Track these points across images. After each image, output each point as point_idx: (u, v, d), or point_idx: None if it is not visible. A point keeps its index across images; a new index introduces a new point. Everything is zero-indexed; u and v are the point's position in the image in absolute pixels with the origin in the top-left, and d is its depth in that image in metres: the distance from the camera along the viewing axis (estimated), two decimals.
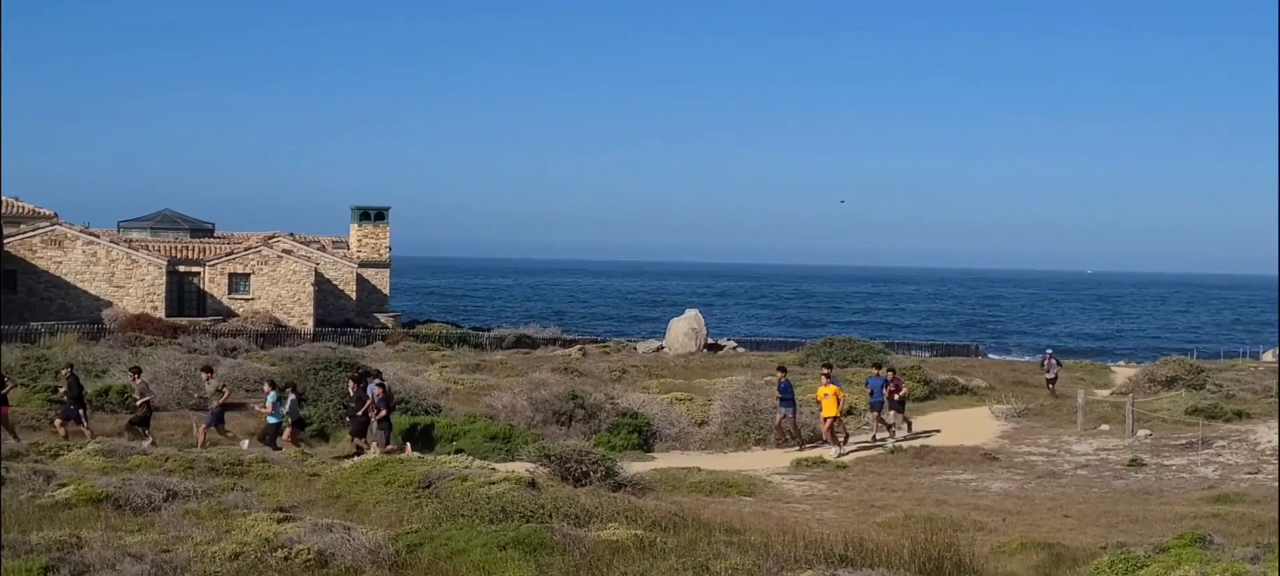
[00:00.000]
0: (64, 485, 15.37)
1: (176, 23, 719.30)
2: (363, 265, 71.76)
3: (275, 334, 54.84)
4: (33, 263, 59.18)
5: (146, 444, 23.64)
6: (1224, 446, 27.40)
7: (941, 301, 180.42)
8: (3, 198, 61.45)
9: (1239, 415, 31.36)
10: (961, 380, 38.69)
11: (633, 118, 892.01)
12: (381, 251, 73.71)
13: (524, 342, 57.95)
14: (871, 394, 29.74)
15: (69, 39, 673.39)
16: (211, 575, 11.23)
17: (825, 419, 27.74)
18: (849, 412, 30.10)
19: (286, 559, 11.56)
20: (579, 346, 54.49)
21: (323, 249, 70.77)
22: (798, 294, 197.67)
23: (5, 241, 58.37)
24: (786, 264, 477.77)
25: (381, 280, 73.12)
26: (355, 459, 21.54)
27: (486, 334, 62.39)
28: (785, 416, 28.33)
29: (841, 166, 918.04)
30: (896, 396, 29.76)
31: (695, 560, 10.96)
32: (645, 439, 29.08)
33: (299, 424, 26.30)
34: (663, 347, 53.50)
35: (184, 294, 62.51)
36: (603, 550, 11.57)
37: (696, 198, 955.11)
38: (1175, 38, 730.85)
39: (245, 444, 24.61)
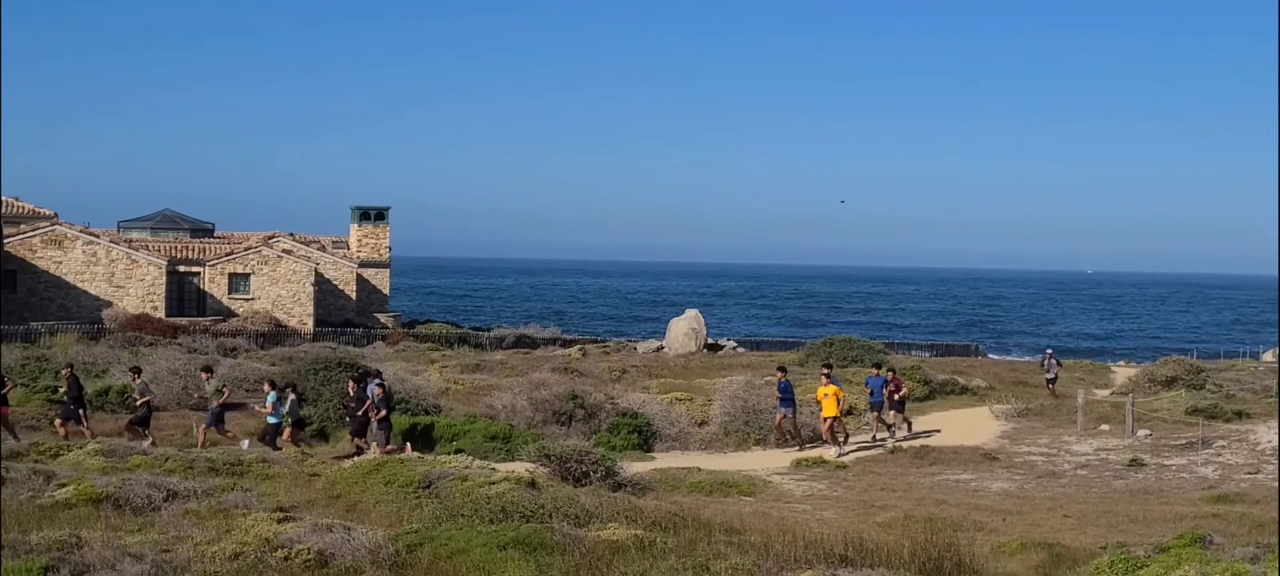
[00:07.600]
0: (64, 485, 15.35)
1: (176, 23, 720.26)
2: (363, 265, 71.76)
3: (275, 334, 54.79)
4: (33, 263, 59.16)
5: (146, 444, 23.62)
6: (1224, 446, 27.40)
7: (941, 301, 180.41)
8: (3, 198, 61.46)
9: (1239, 415, 31.35)
10: (961, 380, 38.67)
11: (632, 118, 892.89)
12: (381, 251, 73.72)
13: (524, 342, 57.94)
14: (871, 394, 29.75)
15: (69, 39, 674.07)
16: (211, 575, 11.23)
17: (825, 419, 27.74)
18: (849, 412, 30.09)
19: (286, 559, 11.55)
20: (579, 346, 54.47)
21: (323, 249, 70.77)
22: (798, 294, 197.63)
23: (5, 241, 58.36)
24: (786, 264, 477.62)
25: (381, 280, 73.13)
26: (355, 459, 21.53)
27: (486, 334, 62.37)
28: (785, 416, 28.32)
29: (841, 166, 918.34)
30: (896, 396, 29.76)
31: (695, 560, 10.94)
32: (645, 439, 29.06)
33: (299, 424, 26.30)
34: (663, 348, 53.47)
35: (184, 294, 62.49)
36: (603, 550, 11.56)
37: (696, 198, 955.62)
38: (1175, 38, 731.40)
39: (245, 444, 24.60)
